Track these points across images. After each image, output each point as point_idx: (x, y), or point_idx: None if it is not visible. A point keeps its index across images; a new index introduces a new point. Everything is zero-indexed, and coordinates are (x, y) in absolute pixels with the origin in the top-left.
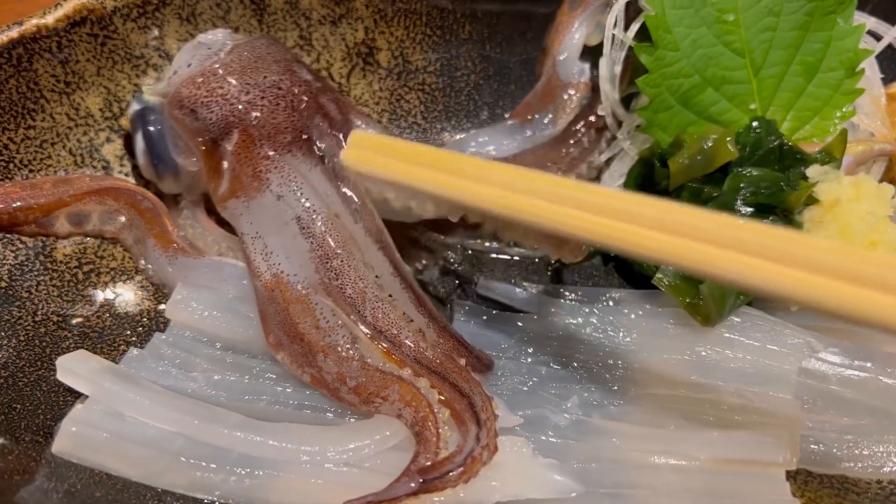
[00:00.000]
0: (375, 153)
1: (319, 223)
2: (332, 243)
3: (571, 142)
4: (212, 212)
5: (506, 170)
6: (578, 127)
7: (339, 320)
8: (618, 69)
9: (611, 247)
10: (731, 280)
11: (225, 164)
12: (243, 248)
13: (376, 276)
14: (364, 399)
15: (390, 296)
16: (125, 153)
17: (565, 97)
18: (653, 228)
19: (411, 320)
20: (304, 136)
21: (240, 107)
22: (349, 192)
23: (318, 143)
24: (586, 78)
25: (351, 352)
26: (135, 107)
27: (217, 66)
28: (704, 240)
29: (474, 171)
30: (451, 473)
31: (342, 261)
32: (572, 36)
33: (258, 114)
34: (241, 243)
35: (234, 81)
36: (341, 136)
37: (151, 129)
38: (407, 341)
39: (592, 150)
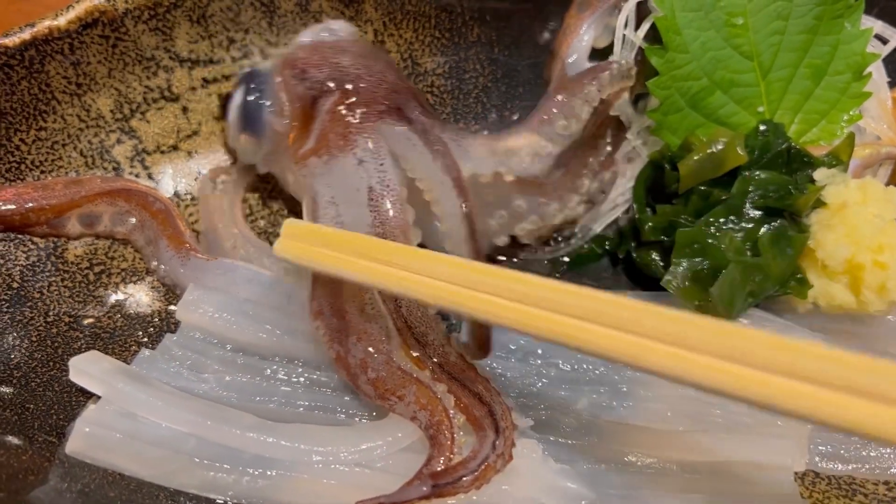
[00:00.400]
0: (310, 243)
1: (388, 201)
2: (392, 224)
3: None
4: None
5: (447, 262)
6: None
7: (380, 311)
8: (630, 56)
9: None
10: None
11: (316, 123)
12: (312, 210)
13: None
14: (380, 394)
15: None
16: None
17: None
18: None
19: (441, 322)
20: (398, 108)
21: (346, 74)
22: (438, 165)
23: (409, 115)
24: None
25: (381, 345)
26: (246, 69)
27: (337, 43)
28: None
29: (414, 263)
30: (464, 479)
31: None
32: (581, 38)
33: (361, 83)
34: (311, 204)
35: (347, 58)
36: (431, 121)
37: (253, 89)
38: (434, 342)
39: (615, 152)
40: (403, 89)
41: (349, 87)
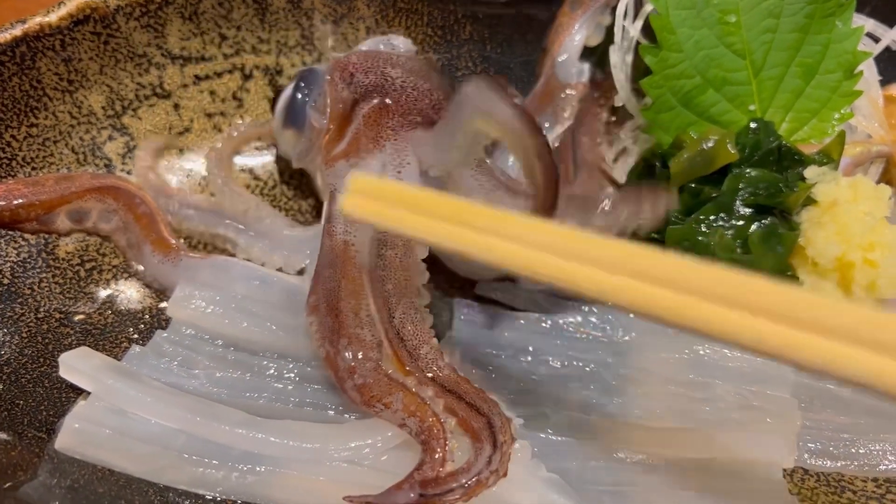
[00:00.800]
0: (378, 201)
1: None
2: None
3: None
4: None
5: (520, 222)
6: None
7: (373, 317)
8: (629, 58)
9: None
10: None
11: (351, 126)
12: (329, 208)
13: (419, 286)
14: (366, 400)
15: (426, 307)
16: (126, 156)
17: (563, 97)
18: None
19: (434, 336)
20: (433, 123)
21: (391, 84)
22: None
23: None
24: (585, 79)
25: (371, 352)
26: (305, 67)
27: (391, 55)
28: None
29: (487, 223)
30: (453, 491)
31: (396, 253)
32: (573, 37)
33: (403, 94)
34: (330, 203)
35: (397, 71)
36: None
37: (303, 85)
38: (426, 356)
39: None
40: (443, 105)
41: (390, 96)
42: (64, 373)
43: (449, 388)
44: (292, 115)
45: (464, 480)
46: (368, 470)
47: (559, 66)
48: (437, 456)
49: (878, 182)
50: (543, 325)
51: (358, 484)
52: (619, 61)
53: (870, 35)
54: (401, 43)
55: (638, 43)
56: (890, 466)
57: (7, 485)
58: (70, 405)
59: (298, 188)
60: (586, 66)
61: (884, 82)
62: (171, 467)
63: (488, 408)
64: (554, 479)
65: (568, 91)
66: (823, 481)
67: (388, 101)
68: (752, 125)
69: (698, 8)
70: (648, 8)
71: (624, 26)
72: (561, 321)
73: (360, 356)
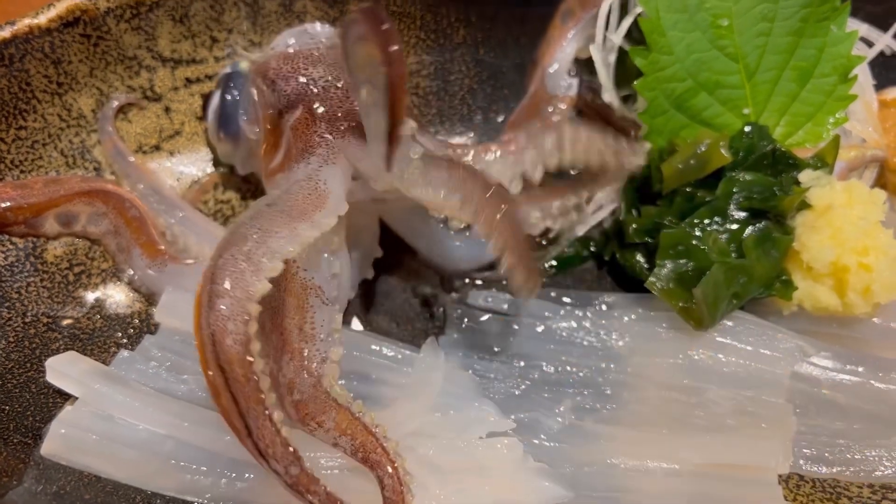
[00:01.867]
0: None
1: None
2: (337, 241)
3: None
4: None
5: None
6: None
7: (322, 331)
8: (612, 58)
9: None
10: None
11: (283, 139)
12: None
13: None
14: (301, 418)
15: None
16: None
17: (551, 110)
18: None
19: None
20: (358, 129)
21: (313, 88)
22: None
23: None
24: (573, 92)
25: (313, 365)
26: (227, 70)
27: (311, 51)
28: None
29: None
30: None
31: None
32: (563, 49)
33: (326, 98)
34: None
35: (319, 68)
36: None
37: (232, 90)
38: (307, 397)
39: None
40: None
41: (314, 102)
42: (51, 377)
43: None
44: (225, 123)
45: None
46: (351, 474)
47: (549, 77)
48: (386, 467)
49: (873, 186)
50: (537, 330)
51: (344, 488)
52: (602, 60)
53: (864, 39)
54: (320, 31)
55: (624, 39)
56: (885, 472)
57: None
58: (57, 410)
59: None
60: (575, 81)
61: (878, 86)
62: (159, 473)
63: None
64: (543, 467)
65: (557, 103)
66: (819, 487)
67: (312, 108)
68: (747, 129)
69: (690, 11)
70: (635, 10)
71: (607, 25)
72: (554, 326)
73: (301, 369)
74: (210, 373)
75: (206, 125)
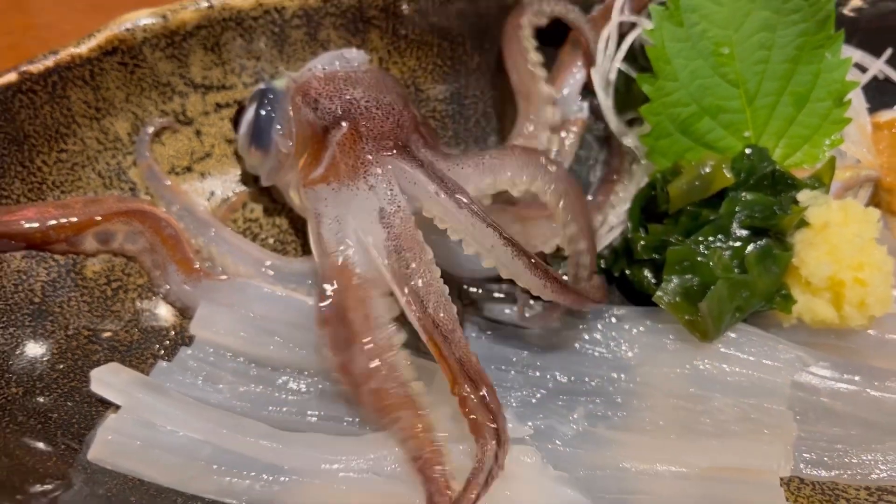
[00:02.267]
0: None
1: (399, 219)
2: (407, 237)
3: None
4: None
5: None
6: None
7: (387, 318)
8: (612, 76)
9: None
10: None
11: (327, 152)
12: (316, 229)
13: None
14: (380, 407)
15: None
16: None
17: (563, 133)
18: None
19: (460, 322)
20: (404, 146)
21: (358, 106)
22: (444, 197)
23: (416, 152)
24: (584, 115)
25: (386, 356)
26: (260, 86)
27: (350, 73)
28: None
29: None
30: (476, 498)
31: (414, 254)
32: (574, 75)
33: (370, 117)
34: (316, 224)
35: (359, 89)
36: (434, 155)
37: (266, 106)
38: (458, 340)
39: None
40: (409, 121)
41: (359, 121)
42: (95, 387)
43: (471, 375)
44: (257, 136)
45: (481, 480)
46: (387, 480)
47: (561, 101)
48: (439, 485)
49: (868, 205)
50: (551, 341)
51: (377, 492)
52: (602, 83)
53: (857, 65)
54: (354, 56)
55: (625, 59)
56: (881, 475)
57: (43, 490)
58: (100, 418)
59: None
60: (586, 104)
61: (872, 109)
62: (198, 477)
63: (496, 405)
64: (564, 476)
65: (569, 126)
66: (818, 489)
67: (358, 126)
68: (748, 151)
69: (693, 40)
70: (631, 36)
71: (606, 50)
72: (567, 337)
73: (374, 363)
74: None
75: (237, 137)
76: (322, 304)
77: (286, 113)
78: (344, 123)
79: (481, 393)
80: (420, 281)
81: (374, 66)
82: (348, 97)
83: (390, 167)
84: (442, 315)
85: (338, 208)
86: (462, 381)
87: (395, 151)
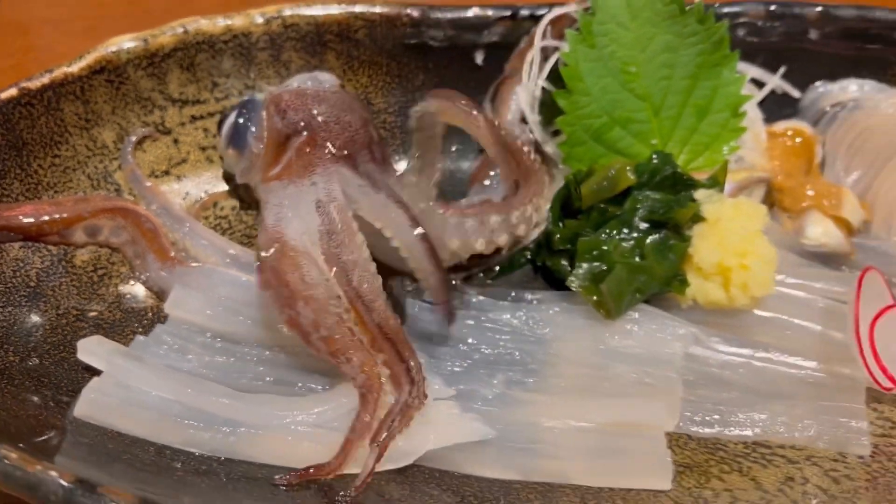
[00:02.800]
0: None
1: (334, 209)
2: (338, 224)
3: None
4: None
5: None
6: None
7: (324, 278)
8: (537, 93)
9: None
10: None
11: (285, 156)
12: (263, 214)
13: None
14: (332, 351)
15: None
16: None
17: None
18: None
19: (382, 294)
20: (351, 157)
21: (318, 119)
22: (373, 193)
23: (360, 165)
24: (527, 135)
25: (329, 307)
26: (245, 98)
27: (318, 92)
28: None
29: None
30: (393, 423)
31: (345, 236)
32: (514, 102)
33: (327, 130)
34: (263, 210)
35: (323, 106)
36: (378, 169)
37: (245, 114)
38: (378, 308)
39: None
40: (361, 139)
41: (317, 131)
42: (81, 355)
43: (388, 335)
44: (235, 138)
45: (396, 410)
46: (328, 431)
47: (508, 125)
48: (370, 406)
49: (763, 202)
50: (480, 320)
51: (320, 442)
52: (528, 99)
53: (756, 81)
54: (325, 78)
55: (544, 88)
56: (756, 431)
57: (41, 439)
58: (85, 382)
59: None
60: (527, 126)
61: (772, 120)
62: (168, 430)
63: (409, 355)
64: (474, 416)
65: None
66: (702, 444)
67: (314, 136)
68: (654, 156)
69: (604, 60)
70: (552, 59)
71: (531, 71)
72: (494, 317)
73: (319, 310)
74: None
75: (219, 139)
76: (262, 271)
77: (261, 120)
78: (304, 133)
79: (398, 349)
80: (347, 258)
81: (342, 90)
82: (312, 111)
83: (333, 170)
84: (365, 286)
85: (282, 198)
86: (380, 341)
87: (340, 161)
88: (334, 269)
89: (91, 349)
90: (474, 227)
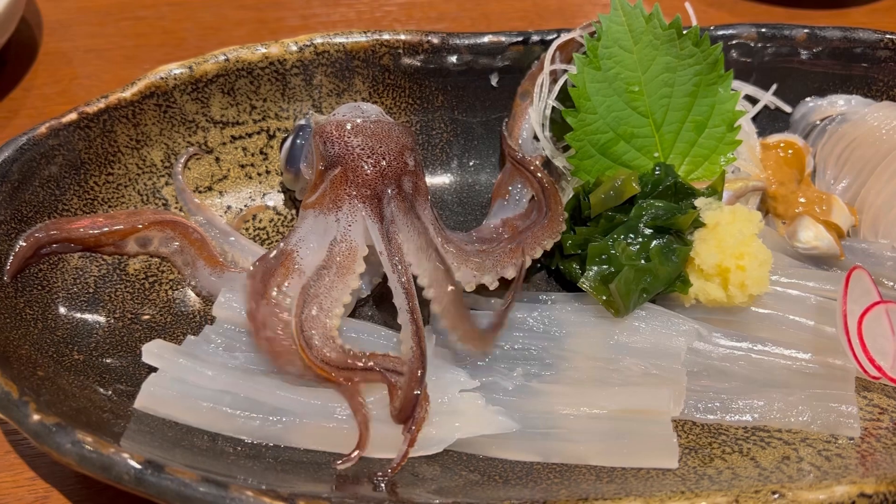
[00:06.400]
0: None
1: (340, 248)
2: (335, 266)
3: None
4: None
5: None
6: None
7: (293, 294)
8: (548, 112)
9: None
10: None
11: (322, 186)
12: (290, 232)
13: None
14: (271, 352)
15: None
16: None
17: (531, 168)
18: None
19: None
20: (376, 197)
21: (352, 155)
22: (391, 252)
23: (384, 206)
24: (540, 152)
25: (283, 315)
26: (301, 122)
27: (358, 123)
28: None
29: None
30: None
31: (334, 278)
32: (526, 121)
33: (360, 166)
34: (293, 230)
35: (360, 139)
36: (404, 206)
37: (298, 139)
38: (315, 346)
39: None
40: (393, 172)
41: (349, 167)
42: (146, 358)
43: (341, 366)
44: (291, 160)
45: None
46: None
47: (521, 146)
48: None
49: (758, 209)
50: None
51: (354, 431)
52: (538, 118)
53: (750, 97)
54: (368, 109)
55: (554, 107)
56: (755, 416)
57: (108, 425)
58: (144, 377)
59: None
60: (539, 144)
61: (765, 133)
62: (220, 419)
63: (375, 360)
64: (499, 409)
65: (531, 162)
66: (705, 429)
67: (346, 171)
68: (656, 168)
69: (609, 81)
70: (561, 81)
71: (542, 92)
72: (511, 317)
73: (272, 316)
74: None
75: (280, 157)
76: (256, 263)
77: (310, 149)
78: (338, 167)
79: (361, 369)
80: (315, 290)
81: (384, 118)
82: (349, 145)
83: (356, 211)
84: (313, 318)
85: (311, 226)
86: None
87: (365, 202)
88: (300, 295)
89: (153, 351)
90: (493, 263)
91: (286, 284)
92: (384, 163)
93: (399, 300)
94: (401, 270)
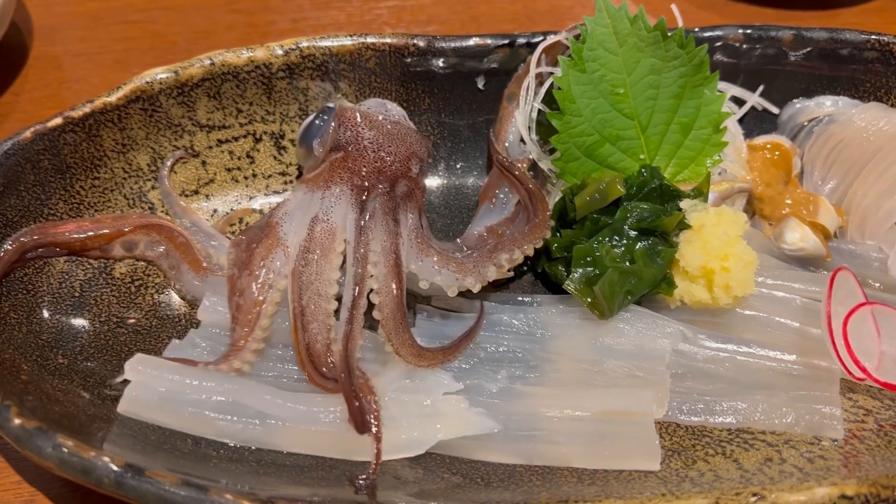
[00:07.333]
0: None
1: (320, 228)
2: (317, 245)
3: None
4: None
5: None
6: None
7: (276, 269)
8: (534, 115)
9: None
10: None
11: (323, 164)
12: (279, 205)
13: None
14: (235, 316)
15: (335, 312)
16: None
17: (516, 173)
18: None
19: (330, 328)
20: (365, 188)
21: (360, 144)
22: (358, 243)
23: (369, 200)
24: (527, 155)
25: (259, 290)
26: (329, 104)
27: (377, 119)
28: None
29: None
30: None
31: (316, 256)
32: (513, 124)
33: (361, 155)
34: (282, 203)
35: (373, 132)
36: (388, 207)
37: (319, 118)
38: (311, 331)
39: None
40: (390, 173)
41: (353, 153)
42: (128, 375)
43: (312, 357)
44: (306, 137)
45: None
46: (343, 424)
47: (508, 149)
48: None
49: (745, 211)
50: (487, 323)
51: (336, 435)
52: (525, 121)
53: (737, 99)
54: (392, 108)
55: (543, 101)
56: (739, 419)
57: (92, 428)
58: (127, 381)
59: None
60: (526, 147)
61: (752, 134)
62: (203, 423)
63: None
64: (481, 411)
65: (517, 164)
66: (689, 431)
67: (348, 156)
68: (642, 170)
69: (594, 83)
70: (547, 83)
71: (527, 95)
72: (497, 319)
73: (251, 286)
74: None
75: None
76: (240, 233)
77: (327, 129)
78: (342, 150)
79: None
80: (307, 276)
81: (404, 122)
82: (360, 133)
83: (342, 195)
84: (311, 307)
85: (298, 201)
86: (307, 365)
87: (355, 189)
88: (293, 282)
89: (134, 367)
90: (475, 264)
91: (270, 258)
92: (386, 160)
93: (346, 294)
94: (360, 263)
